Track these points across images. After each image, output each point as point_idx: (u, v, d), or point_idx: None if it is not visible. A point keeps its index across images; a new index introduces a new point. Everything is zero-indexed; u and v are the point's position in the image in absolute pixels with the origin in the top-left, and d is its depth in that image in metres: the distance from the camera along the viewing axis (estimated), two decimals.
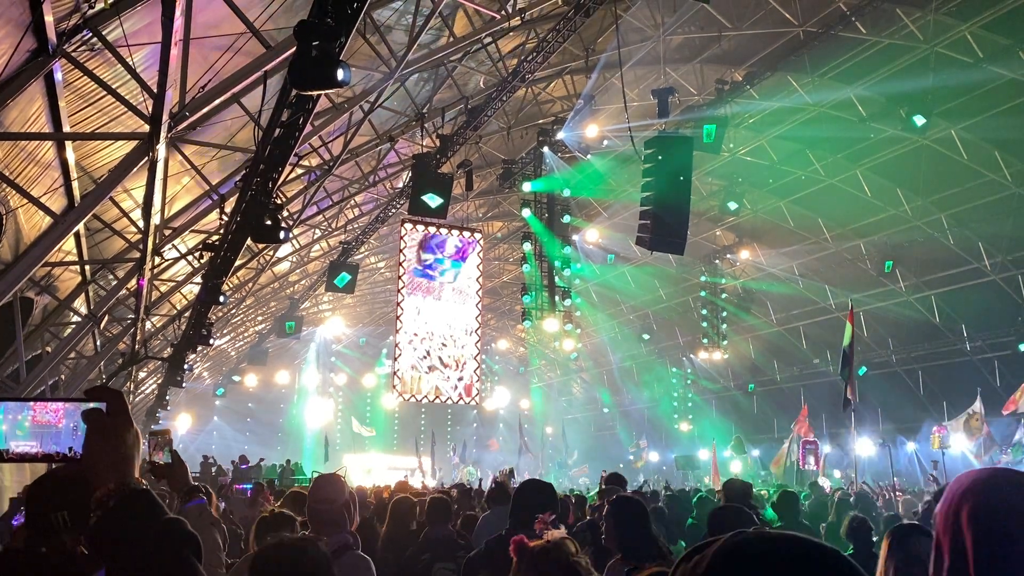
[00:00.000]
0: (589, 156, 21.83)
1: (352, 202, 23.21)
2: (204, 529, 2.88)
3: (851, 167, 23.89)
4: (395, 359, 22.40)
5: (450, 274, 22.61)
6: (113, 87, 9.14)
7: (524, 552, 2.12)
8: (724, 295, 32.17)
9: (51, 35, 7.56)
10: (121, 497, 1.58)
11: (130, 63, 8.71)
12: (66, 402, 1.74)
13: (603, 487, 8.32)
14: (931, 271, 26.44)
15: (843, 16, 16.91)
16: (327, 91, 8.48)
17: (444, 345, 22.51)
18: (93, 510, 1.58)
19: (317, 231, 24.84)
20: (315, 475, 7.53)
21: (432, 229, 22.27)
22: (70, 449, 1.68)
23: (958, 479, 1.68)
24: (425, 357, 22.20)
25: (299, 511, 5.51)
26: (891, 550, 3.25)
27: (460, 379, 22.76)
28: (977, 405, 21.74)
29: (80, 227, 11.36)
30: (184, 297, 20.82)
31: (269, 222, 11.44)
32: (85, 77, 8.83)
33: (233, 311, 28.14)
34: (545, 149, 21.13)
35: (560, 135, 20.39)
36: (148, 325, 19.55)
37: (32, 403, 1.75)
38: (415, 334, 22.13)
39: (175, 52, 8.15)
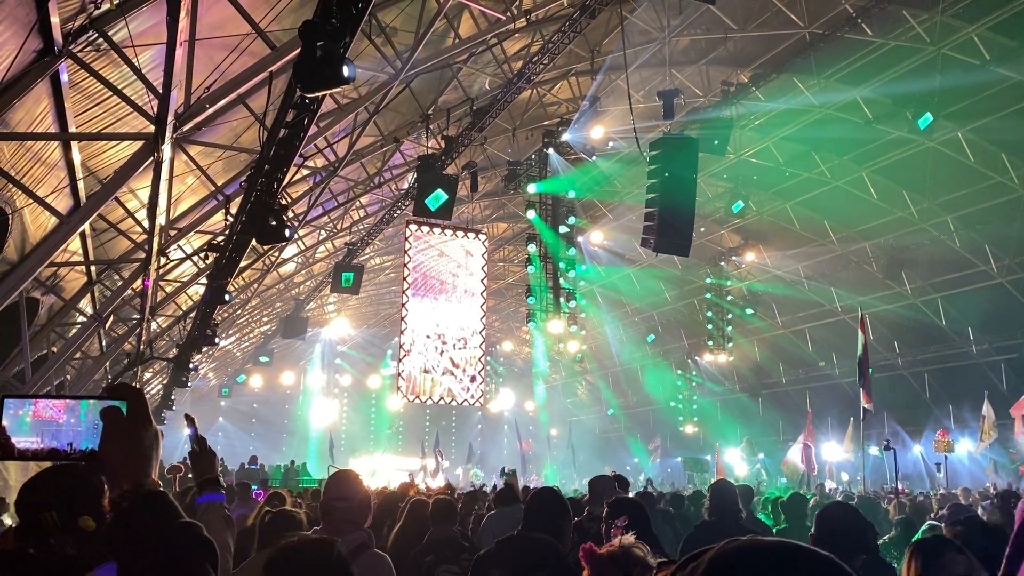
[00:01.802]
0: (594, 158, 21.79)
1: (357, 203, 23.24)
2: (212, 528, 2.82)
3: (857, 169, 23.80)
4: (399, 360, 22.41)
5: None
6: (119, 88, 9.17)
7: (595, 558, 2.13)
8: (729, 297, 32.09)
9: (57, 36, 7.58)
10: (135, 499, 1.56)
11: (136, 64, 8.72)
12: (87, 399, 1.71)
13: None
14: (937, 274, 26.33)
15: (849, 18, 16.85)
16: (332, 90, 8.48)
17: (456, 347, 22.54)
18: (108, 511, 1.57)
19: (322, 232, 24.86)
20: (331, 469, 7.44)
21: (437, 230, 22.29)
22: (70, 445, 1.66)
23: None
24: (439, 358, 22.21)
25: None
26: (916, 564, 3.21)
27: (472, 380, 22.77)
28: (986, 409, 21.57)
29: (86, 227, 11.39)
30: (189, 298, 20.84)
31: (274, 223, 11.44)
32: (91, 78, 8.85)
33: (238, 312, 28.17)
34: (550, 151, 21.12)
35: (565, 137, 20.37)
36: (153, 326, 19.58)
37: (34, 399, 1.72)
38: (427, 336, 22.12)
39: (180, 53, 8.17)
